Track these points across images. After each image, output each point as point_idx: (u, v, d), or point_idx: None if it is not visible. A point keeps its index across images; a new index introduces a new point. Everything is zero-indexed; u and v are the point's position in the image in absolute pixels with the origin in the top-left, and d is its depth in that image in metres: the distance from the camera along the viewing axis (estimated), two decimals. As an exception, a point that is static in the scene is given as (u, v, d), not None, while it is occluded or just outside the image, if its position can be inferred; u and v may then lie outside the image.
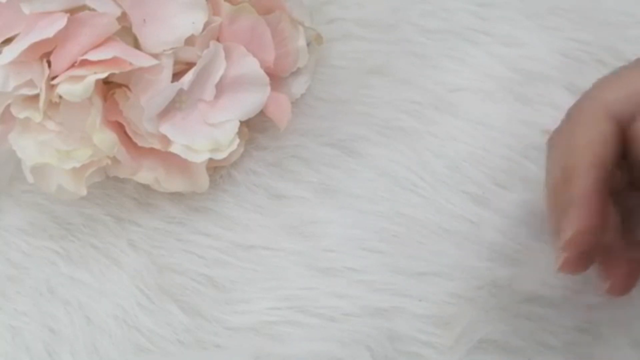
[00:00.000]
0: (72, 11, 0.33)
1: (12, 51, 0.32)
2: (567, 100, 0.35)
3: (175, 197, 0.38)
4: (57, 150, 0.34)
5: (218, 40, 0.36)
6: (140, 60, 0.33)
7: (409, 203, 0.36)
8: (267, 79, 0.36)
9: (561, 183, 0.29)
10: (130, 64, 0.33)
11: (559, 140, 0.31)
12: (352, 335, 0.33)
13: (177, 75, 0.35)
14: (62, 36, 0.32)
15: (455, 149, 0.37)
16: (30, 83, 0.33)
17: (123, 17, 0.34)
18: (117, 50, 0.33)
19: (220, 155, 0.35)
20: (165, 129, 0.35)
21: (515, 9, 0.41)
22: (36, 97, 0.34)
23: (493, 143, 0.37)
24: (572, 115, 0.31)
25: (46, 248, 0.37)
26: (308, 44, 0.39)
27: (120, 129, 0.35)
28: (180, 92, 0.35)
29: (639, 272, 0.31)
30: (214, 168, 0.38)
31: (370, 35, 0.41)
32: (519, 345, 0.32)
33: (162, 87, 0.34)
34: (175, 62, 0.35)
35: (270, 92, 0.36)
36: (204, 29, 0.34)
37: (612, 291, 0.31)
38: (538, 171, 0.35)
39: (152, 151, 0.35)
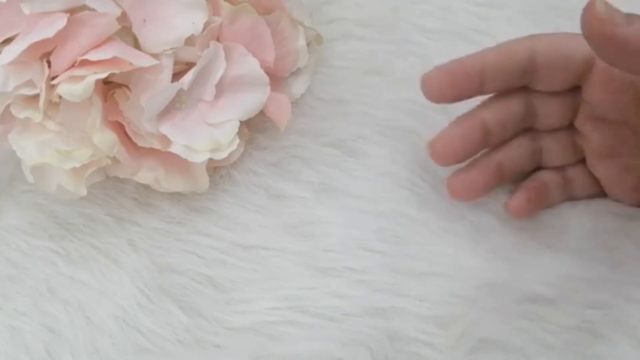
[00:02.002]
0: (72, 11, 0.33)
1: (12, 51, 0.32)
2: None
3: (175, 197, 0.38)
4: (57, 150, 0.34)
5: (218, 40, 0.36)
6: (140, 60, 0.33)
7: (409, 203, 0.36)
8: (267, 79, 0.36)
9: None
10: (130, 64, 0.33)
11: None
12: (352, 335, 0.33)
13: (177, 75, 0.35)
14: (62, 36, 0.32)
15: (455, 149, 0.37)
16: (30, 83, 0.33)
17: (123, 17, 0.34)
18: (117, 50, 0.33)
19: (220, 155, 0.35)
20: (165, 129, 0.35)
21: (515, 9, 0.41)
22: (36, 97, 0.34)
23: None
24: None
25: (46, 248, 0.37)
26: (308, 44, 0.39)
27: (120, 129, 0.35)
28: (180, 92, 0.35)
29: (540, 200, 0.35)
30: (214, 168, 0.38)
31: (370, 35, 0.41)
32: (519, 345, 0.32)
33: (162, 87, 0.34)
34: (175, 62, 0.35)
35: (270, 92, 0.36)
36: (204, 29, 0.35)
37: (507, 208, 0.34)
38: (538, 171, 0.35)
39: (152, 151, 0.36)
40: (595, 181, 0.35)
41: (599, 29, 0.28)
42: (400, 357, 0.33)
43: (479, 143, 0.34)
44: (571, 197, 0.35)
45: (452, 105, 0.38)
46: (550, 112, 0.34)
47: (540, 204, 0.35)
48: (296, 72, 0.39)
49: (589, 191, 0.35)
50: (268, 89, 0.36)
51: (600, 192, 0.35)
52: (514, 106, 0.34)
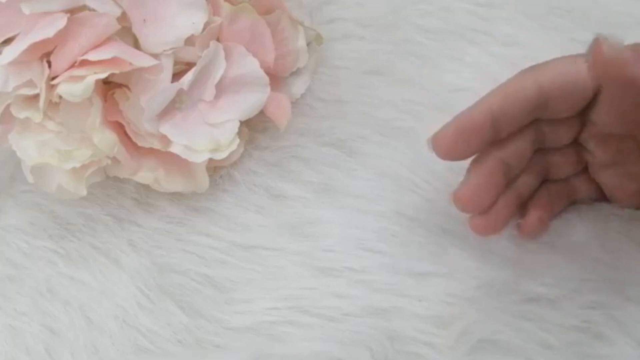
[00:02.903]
0: (72, 11, 0.33)
1: (12, 51, 0.32)
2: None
3: (175, 197, 0.38)
4: (57, 150, 0.34)
5: (218, 40, 0.36)
6: (140, 60, 0.33)
7: (409, 203, 0.36)
8: (267, 79, 0.36)
9: None
10: (130, 64, 0.33)
11: None
12: (352, 335, 0.33)
13: (177, 75, 0.35)
14: (62, 36, 0.32)
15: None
16: (30, 83, 0.33)
17: (123, 17, 0.34)
18: (117, 50, 0.33)
19: (220, 155, 0.35)
20: (165, 129, 0.35)
21: (515, 9, 0.41)
22: (36, 97, 0.34)
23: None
24: None
25: (46, 248, 0.37)
26: (308, 44, 0.39)
27: (120, 129, 0.35)
28: (180, 92, 0.35)
29: (549, 215, 0.34)
30: (214, 168, 0.38)
31: (370, 35, 0.41)
32: (519, 345, 0.32)
33: (162, 87, 0.34)
34: (175, 62, 0.35)
35: (270, 92, 0.36)
36: (204, 29, 0.35)
37: (522, 230, 0.34)
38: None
39: (152, 151, 0.35)
40: (598, 187, 0.35)
41: (609, 71, 0.28)
42: (400, 357, 0.33)
43: (503, 184, 0.33)
44: (574, 202, 0.36)
45: (452, 105, 0.38)
46: (558, 135, 0.33)
47: (550, 218, 0.35)
48: (296, 72, 0.39)
49: (591, 197, 0.35)
50: (268, 89, 0.36)
51: (602, 197, 0.35)
52: (526, 136, 0.33)
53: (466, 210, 0.33)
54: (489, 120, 0.31)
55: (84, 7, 0.33)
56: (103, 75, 0.32)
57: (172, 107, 0.35)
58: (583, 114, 0.32)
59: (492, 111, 0.31)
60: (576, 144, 0.34)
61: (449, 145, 0.31)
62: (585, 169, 0.35)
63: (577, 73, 0.31)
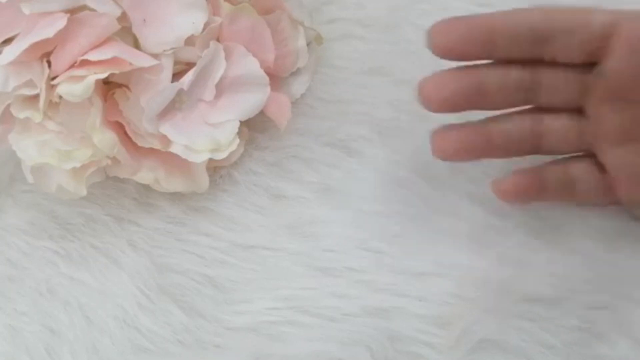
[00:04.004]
0: (72, 11, 0.33)
1: (12, 51, 0.32)
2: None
3: (175, 197, 0.38)
4: (57, 150, 0.34)
5: (218, 40, 0.36)
6: (140, 60, 0.33)
7: (409, 203, 0.36)
8: (267, 79, 0.36)
9: None
10: (130, 64, 0.33)
11: None
12: (352, 335, 0.33)
13: (177, 75, 0.35)
14: (62, 36, 0.32)
15: (455, 149, 0.37)
16: (30, 83, 0.33)
17: (123, 17, 0.34)
18: (117, 50, 0.33)
19: (220, 155, 0.35)
20: (165, 129, 0.35)
21: (515, 9, 0.41)
22: (36, 97, 0.34)
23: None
24: None
25: (46, 248, 0.37)
26: (308, 44, 0.39)
27: (120, 129, 0.35)
28: (180, 92, 0.35)
29: (532, 191, 0.32)
30: (214, 168, 0.38)
31: (370, 35, 0.41)
32: (519, 345, 0.32)
33: (162, 87, 0.34)
34: (175, 62, 0.35)
35: (270, 92, 0.36)
36: (204, 29, 0.34)
37: (493, 187, 0.33)
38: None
39: (152, 151, 0.35)
40: (602, 182, 0.32)
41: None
42: (400, 357, 0.33)
43: (473, 98, 0.31)
44: (572, 199, 0.34)
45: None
46: (556, 86, 0.31)
47: (533, 195, 0.33)
48: (296, 72, 0.39)
49: (593, 194, 0.33)
50: (268, 89, 0.36)
51: (605, 196, 0.33)
52: (516, 72, 0.31)
53: (427, 102, 0.31)
54: (488, 29, 0.29)
55: (84, 7, 0.33)
56: (103, 75, 0.32)
57: (172, 107, 0.35)
58: (586, 75, 0.30)
59: (493, 23, 0.29)
60: (578, 116, 0.31)
61: (445, 38, 0.30)
62: (587, 157, 0.32)
63: (590, 15, 0.29)
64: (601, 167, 0.32)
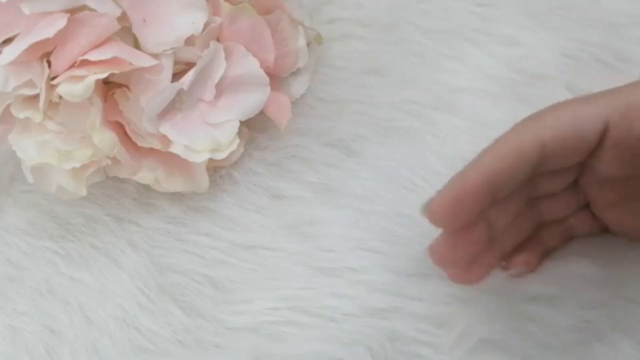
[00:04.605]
0: (72, 11, 0.33)
1: (12, 51, 0.32)
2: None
3: (175, 197, 0.38)
4: (57, 150, 0.34)
5: (218, 40, 0.36)
6: (140, 60, 0.33)
7: (409, 203, 0.36)
8: (267, 79, 0.36)
9: None
10: (130, 64, 0.33)
11: None
12: (352, 335, 0.33)
13: (177, 75, 0.35)
14: (62, 36, 0.32)
15: (455, 149, 0.37)
16: (30, 83, 0.33)
17: (123, 17, 0.34)
18: (117, 50, 0.33)
19: (220, 155, 0.35)
20: (165, 129, 0.35)
21: (515, 9, 0.41)
22: (36, 97, 0.34)
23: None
24: None
25: (46, 248, 0.37)
26: (308, 44, 0.39)
27: (120, 129, 0.35)
28: (180, 92, 0.35)
29: (539, 260, 0.33)
30: (214, 168, 0.38)
31: (370, 35, 0.41)
32: (519, 345, 0.32)
33: (162, 87, 0.34)
34: (175, 62, 0.35)
35: (270, 92, 0.36)
36: (204, 29, 0.35)
37: (506, 270, 0.33)
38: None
39: (152, 151, 0.35)
40: (598, 224, 0.33)
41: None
42: (400, 357, 0.33)
43: (484, 241, 0.31)
44: (572, 238, 0.34)
45: (452, 105, 0.39)
46: (554, 184, 0.32)
47: (540, 259, 0.33)
48: (296, 72, 0.39)
49: (590, 232, 0.34)
50: (268, 89, 0.36)
51: (604, 230, 0.33)
52: (519, 194, 0.31)
53: (441, 265, 0.31)
54: (487, 186, 0.28)
55: (84, 7, 0.33)
56: (103, 75, 0.32)
57: (172, 107, 0.35)
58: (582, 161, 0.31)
59: (490, 175, 0.28)
60: (574, 186, 0.32)
61: (446, 214, 0.29)
62: (583, 208, 0.33)
63: (582, 125, 0.29)
64: (595, 216, 0.33)
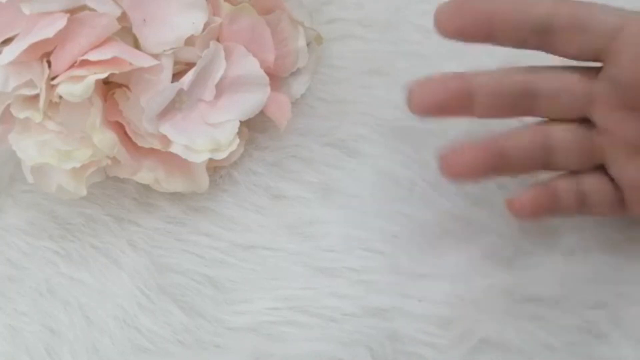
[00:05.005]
0: (72, 11, 0.33)
1: (12, 51, 0.32)
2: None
3: (175, 197, 0.38)
4: (57, 150, 0.34)
5: (218, 40, 0.36)
6: (140, 60, 0.33)
7: (409, 203, 0.36)
8: (267, 79, 0.36)
9: None
10: (130, 64, 0.33)
11: None
12: (352, 335, 0.33)
13: (177, 76, 0.35)
14: (62, 36, 0.32)
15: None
16: (30, 83, 0.33)
17: (123, 17, 0.34)
18: (117, 50, 0.33)
19: (220, 155, 0.35)
20: (165, 129, 0.35)
21: (515, 9, 0.41)
22: (36, 97, 0.34)
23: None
24: None
25: (46, 248, 0.38)
26: (308, 44, 0.39)
27: (120, 129, 0.35)
28: (180, 92, 0.35)
29: (547, 206, 0.31)
30: (214, 168, 0.38)
31: (370, 35, 0.41)
32: (519, 345, 0.32)
33: (162, 87, 0.34)
34: (175, 62, 0.35)
35: (270, 92, 0.36)
36: (204, 29, 0.34)
37: (512, 207, 0.32)
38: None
39: (152, 151, 0.35)
40: (614, 195, 0.31)
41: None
42: (401, 357, 0.33)
43: (461, 103, 0.31)
44: (585, 213, 0.32)
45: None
46: (556, 93, 0.30)
47: (548, 211, 0.31)
48: (296, 72, 0.39)
49: (605, 208, 0.31)
50: (268, 89, 0.36)
51: (618, 209, 0.31)
52: (512, 75, 0.31)
53: (411, 101, 0.31)
54: (491, 10, 0.29)
55: (84, 7, 0.33)
56: (103, 75, 0.32)
57: (172, 107, 0.35)
58: (592, 83, 0.29)
59: (496, 6, 0.29)
60: (589, 128, 0.30)
61: (445, 17, 0.30)
62: (599, 170, 0.31)
63: (597, 14, 0.28)
64: (613, 181, 0.31)
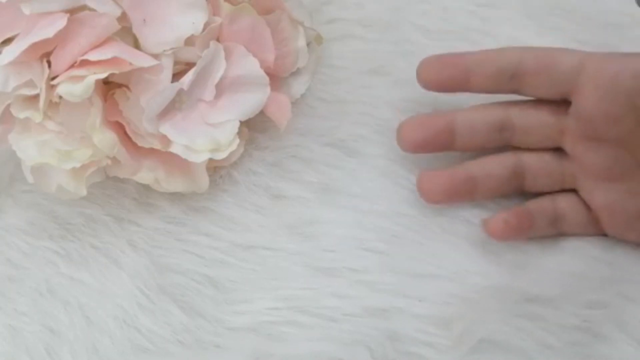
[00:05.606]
0: (72, 11, 0.33)
1: (12, 51, 0.32)
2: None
3: (175, 197, 0.38)
4: (57, 150, 0.34)
5: (218, 40, 0.36)
6: (140, 60, 0.33)
7: (409, 203, 0.36)
8: (267, 79, 0.36)
9: None
10: (130, 64, 0.33)
11: None
12: (352, 335, 0.33)
13: (177, 76, 0.35)
14: (62, 36, 0.32)
15: (455, 149, 0.37)
16: (30, 83, 0.33)
17: (123, 17, 0.34)
18: (117, 50, 0.33)
19: (220, 155, 0.35)
20: (165, 129, 0.35)
21: (515, 9, 0.41)
22: (36, 97, 0.34)
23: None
24: None
25: (46, 248, 0.37)
26: (308, 44, 0.39)
27: (120, 129, 0.35)
28: (180, 92, 0.35)
29: (521, 228, 0.33)
30: (214, 168, 0.38)
31: (370, 35, 0.41)
32: (519, 345, 0.32)
33: (162, 87, 0.34)
34: (175, 62, 0.35)
35: (270, 92, 0.36)
36: (204, 29, 0.34)
37: (484, 227, 0.34)
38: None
39: (152, 151, 0.35)
40: (589, 217, 0.33)
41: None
42: (400, 357, 0.33)
43: (444, 140, 0.34)
44: (560, 233, 0.34)
45: (452, 105, 0.38)
46: (530, 126, 0.33)
47: (522, 232, 0.33)
48: (296, 72, 0.39)
49: (580, 227, 0.33)
50: (268, 89, 0.36)
51: (592, 228, 0.33)
52: (489, 112, 0.33)
53: (400, 141, 0.35)
54: (465, 61, 0.33)
55: (84, 7, 0.33)
56: (103, 75, 0.32)
57: (172, 107, 0.35)
58: (561, 115, 0.32)
59: (469, 58, 0.33)
60: (560, 155, 0.33)
61: (432, 68, 0.34)
62: (573, 192, 0.33)
63: (562, 55, 0.31)
64: (586, 203, 0.33)
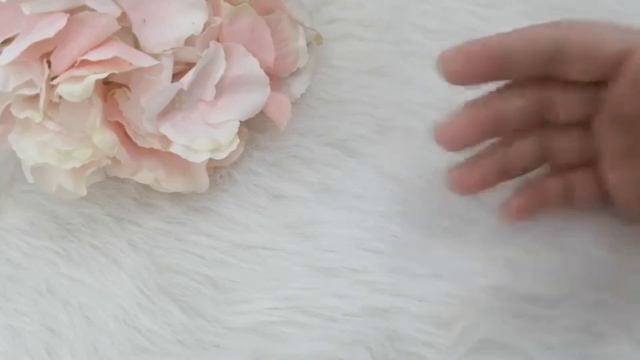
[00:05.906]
0: (72, 11, 0.33)
1: (12, 51, 0.32)
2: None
3: (175, 197, 0.38)
4: (57, 150, 0.34)
5: (218, 40, 0.36)
6: (140, 60, 0.33)
7: (409, 203, 0.36)
8: (267, 79, 0.36)
9: None
10: (130, 64, 0.33)
11: None
12: (352, 335, 0.33)
13: (177, 76, 0.35)
14: (62, 36, 0.32)
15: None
16: (30, 83, 0.33)
17: (123, 17, 0.34)
18: (117, 50, 0.33)
19: (220, 155, 0.35)
20: (165, 129, 0.35)
21: (515, 9, 0.41)
22: (36, 97, 0.34)
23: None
24: None
25: (46, 248, 0.38)
26: (308, 44, 0.39)
27: (120, 129, 0.35)
28: (180, 92, 0.35)
29: (539, 204, 0.33)
30: (214, 168, 0.38)
31: (370, 35, 0.41)
32: (519, 345, 0.32)
33: (162, 87, 0.34)
34: (175, 62, 0.35)
35: (270, 92, 0.36)
36: (204, 29, 0.35)
37: (498, 214, 0.33)
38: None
39: (152, 151, 0.36)
40: (598, 190, 0.33)
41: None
42: (400, 357, 0.33)
43: (490, 133, 0.32)
44: (572, 206, 0.34)
45: (452, 105, 0.38)
46: (568, 104, 0.31)
47: (537, 210, 0.34)
48: (296, 72, 0.39)
49: (591, 200, 0.33)
50: (268, 89, 0.36)
51: (603, 201, 0.33)
52: (531, 92, 0.31)
53: (442, 142, 0.31)
54: (501, 52, 0.29)
55: (84, 7, 0.33)
56: (103, 75, 0.32)
57: (172, 107, 0.35)
58: (598, 90, 0.30)
59: (505, 44, 0.29)
60: (586, 129, 0.32)
61: (457, 66, 0.30)
62: (587, 165, 0.33)
63: (606, 38, 0.29)
64: (599, 176, 0.32)
